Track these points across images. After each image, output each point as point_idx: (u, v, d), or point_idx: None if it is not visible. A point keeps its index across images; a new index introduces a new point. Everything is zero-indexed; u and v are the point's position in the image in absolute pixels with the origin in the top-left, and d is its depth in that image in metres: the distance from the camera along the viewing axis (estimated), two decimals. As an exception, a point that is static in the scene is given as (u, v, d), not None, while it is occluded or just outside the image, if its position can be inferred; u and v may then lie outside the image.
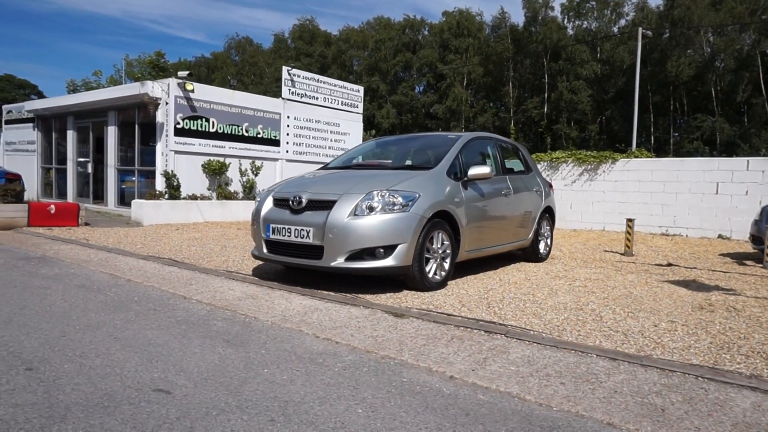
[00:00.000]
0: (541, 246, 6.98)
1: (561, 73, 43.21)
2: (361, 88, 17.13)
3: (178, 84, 11.54)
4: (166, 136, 11.57)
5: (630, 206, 12.07)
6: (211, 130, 12.35)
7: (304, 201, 4.55)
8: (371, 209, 4.33)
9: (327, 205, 4.46)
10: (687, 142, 34.78)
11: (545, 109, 45.27)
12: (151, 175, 12.27)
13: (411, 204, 4.42)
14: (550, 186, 7.50)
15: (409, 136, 6.77)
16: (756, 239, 7.55)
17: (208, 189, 12.38)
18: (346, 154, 6.33)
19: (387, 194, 4.40)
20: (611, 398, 2.40)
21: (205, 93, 12.20)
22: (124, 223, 10.67)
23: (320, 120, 15.26)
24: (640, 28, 24.91)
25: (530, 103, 45.93)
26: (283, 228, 4.57)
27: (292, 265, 4.71)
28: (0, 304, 3.84)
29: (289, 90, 14.32)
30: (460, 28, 48.20)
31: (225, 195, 12.42)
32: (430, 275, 4.67)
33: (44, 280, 4.76)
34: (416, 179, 4.73)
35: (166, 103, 11.52)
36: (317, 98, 15.16)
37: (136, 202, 10.79)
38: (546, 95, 45.05)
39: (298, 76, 14.59)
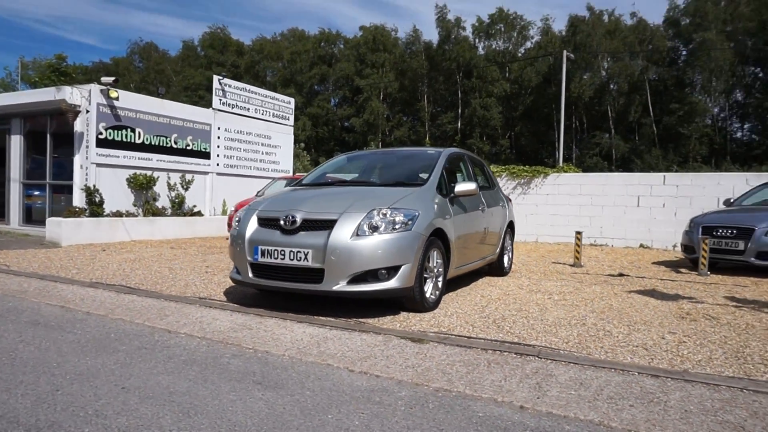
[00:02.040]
0: (505, 260, 7.10)
1: (473, 90, 45.25)
2: (292, 100, 16.75)
3: (101, 90, 10.54)
4: (87, 147, 10.49)
5: (561, 218, 12.74)
6: (138, 141, 11.39)
7: (298, 220, 4.23)
8: (374, 228, 4.12)
9: (325, 225, 4.18)
10: (588, 157, 37.71)
11: (459, 124, 47.09)
12: (66, 190, 11.06)
13: (412, 222, 4.26)
14: (509, 200, 7.68)
15: (384, 151, 6.62)
16: (688, 248, 8.21)
17: (134, 205, 11.39)
18: (318, 170, 6.03)
19: (389, 212, 4.22)
20: (689, 419, 2.40)
21: (130, 101, 11.24)
22: (38, 243, 9.48)
23: (251, 132, 14.68)
24: (565, 51, 26.69)
25: (445, 118, 47.58)
26: (275, 250, 4.21)
27: (284, 290, 4.35)
28: (-57, 351, 3.16)
29: (220, 100, 13.64)
30: (375, 43, 48.98)
31: (153, 211, 11.48)
32: (428, 295, 4.53)
33: (-18, 318, 4.02)
34: (412, 196, 4.59)
35: (87, 111, 10.47)
36: (248, 109, 14.58)
37: (53, 221, 9.62)
38: (460, 110, 46.90)
39: (230, 86, 13.95)
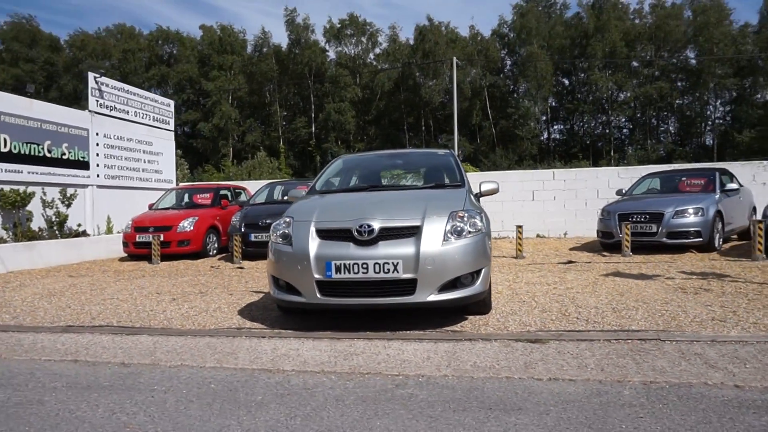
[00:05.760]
0: (479, 256, 7.32)
1: (326, 95, 45.51)
2: (172, 102, 15.16)
3: (-45, 87, 8.37)
4: (-62, 159, 8.27)
5: (466, 215, 13.51)
6: (4, 149, 9.33)
7: (376, 229, 3.87)
8: (459, 233, 3.96)
9: (408, 232, 3.89)
10: (439, 158, 40.51)
11: (313, 129, 46.96)
12: None
13: (483, 224, 4.20)
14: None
15: (389, 153, 6.32)
16: (606, 234, 9.33)
17: (4, 228, 9.29)
18: (325, 175, 5.56)
19: (465, 215, 4.09)
20: None
21: (-8, 101, 9.14)
22: None
23: (132, 138, 12.97)
24: (454, 58, 27.96)
25: (299, 122, 47.06)
26: (354, 264, 3.79)
27: (366, 307, 3.94)
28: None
29: (97, 101, 11.80)
30: (222, 44, 46.48)
31: (30, 235, 9.48)
32: (489, 295, 4.51)
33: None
34: (469, 198, 4.51)
35: (-65, 114, 8.25)
36: (128, 112, 12.85)
37: None
38: (313, 115, 46.78)
39: (107, 86, 12.14)
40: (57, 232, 10.14)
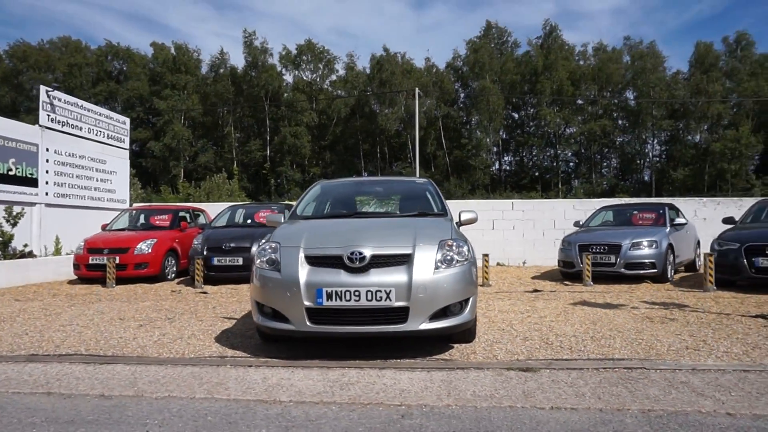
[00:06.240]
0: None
1: (282, 119, 45.33)
2: (128, 120, 14.69)
3: None
4: None
5: (428, 242, 13.65)
6: (-54, 163, 8.70)
7: (367, 257, 3.85)
8: (448, 262, 4.00)
9: (400, 260, 3.89)
10: (394, 185, 40.95)
11: (268, 152, 46.50)
12: None
13: (470, 253, 4.27)
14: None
15: (367, 180, 6.31)
16: (567, 264, 9.65)
17: (-58, 248, 8.61)
18: (306, 200, 5.49)
19: (454, 244, 4.14)
20: (833, 400, 2.97)
21: (-64, 111, 8.53)
22: None
23: (85, 155, 12.46)
24: (417, 89, 28.37)
25: (253, 145, 46.50)
26: (346, 291, 3.74)
27: (357, 335, 3.87)
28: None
29: (49, 116, 11.29)
30: (176, 63, 45.61)
31: (-30, 255, 8.83)
32: (473, 323, 4.54)
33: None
34: (453, 226, 4.58)
35: None
36: (81, 128, 12.34)
37: None
38: (268, 138, 46.38)
39: (60, 100, 11.64)
40: (0, 252, 9.48)
